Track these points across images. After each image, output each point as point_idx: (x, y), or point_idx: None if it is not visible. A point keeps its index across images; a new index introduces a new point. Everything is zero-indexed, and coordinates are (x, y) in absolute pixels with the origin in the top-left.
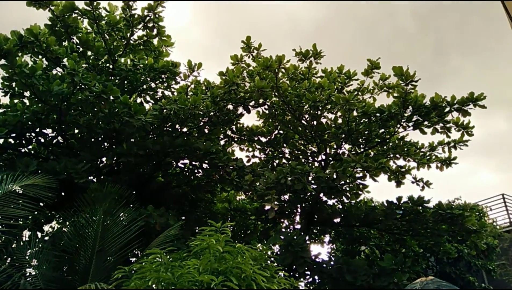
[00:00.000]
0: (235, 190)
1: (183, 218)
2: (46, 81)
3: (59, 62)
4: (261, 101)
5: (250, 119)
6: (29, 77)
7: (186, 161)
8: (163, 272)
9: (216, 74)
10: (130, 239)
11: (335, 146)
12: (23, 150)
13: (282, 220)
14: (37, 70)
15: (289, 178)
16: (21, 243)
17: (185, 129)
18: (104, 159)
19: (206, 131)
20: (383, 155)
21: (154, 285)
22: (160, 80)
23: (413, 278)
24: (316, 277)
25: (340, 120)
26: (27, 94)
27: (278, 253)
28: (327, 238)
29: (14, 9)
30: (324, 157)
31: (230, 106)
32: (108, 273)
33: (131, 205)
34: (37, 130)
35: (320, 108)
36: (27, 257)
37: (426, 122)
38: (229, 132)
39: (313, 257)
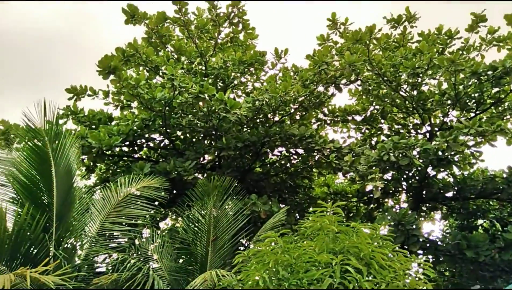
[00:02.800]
0: (334, 173)
1: (283, 205)
2: (149, 90)
3: (158, 70)
4: (352, 78)
5: (342, 100)
6: (134, 87)
7: (282, 149)
8: (281, 254)
9: (304, 58)
10: (239, 228)
11: (440, 115)
12: (136, 156)
13: (386, 200)
14: (140, 80)
15: (392, 154)
16: (144, 240)
17: (277, 119)
18: (206, 155)
19: (298, 117)
20: (498, 118)
21: (273, 267)
22: (250, 72)
23: None
24: (430, 256)
25: (445, 85)
26: (134, 104)
27: (386, 233)
28: (437, 215)
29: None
30: (429, 128)
31: (320, 88)
32: (224, 261)
33: (235, 197)
34: (146, 136)
35: (421, 74)
36: (149, 252)
37: None
38: (321, 116)
39: (426, 235)
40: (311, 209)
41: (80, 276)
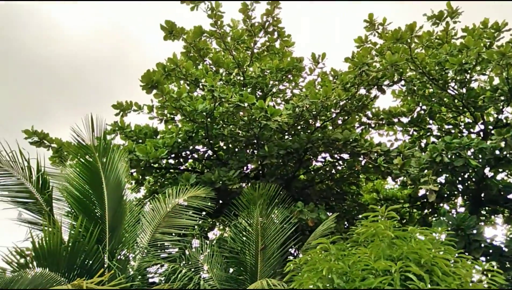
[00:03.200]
0: (382, 178)
1: (331, 213)
2: (191, 102)
3: (198, 83)
4: (395, 78)
5: (385, 102)
6: (177, 100)
7: (325, 155)
8: (335, 262)
9: (342, 61)
10: (287, 237)
11: (493, 112)
12: (182, 168)
13: (441, 204)
14: (182, 93)
15: (445, 155)
16: (193, 250)
17: (318, 124)
18: (250, 165)
19: (340, 122)
20: None
21: (327, 275)
22: (288, 79)
23: None
24: (493, 263)
25: (496, 80)
26: (177, 117)
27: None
28: (498, 219)
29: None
30: (482, 126)
31: (362, 91)
32: (274, 270)
33: (281, 205)
34: (190, 148)
35: (469, 71)
36: (199, 262)
37: None
38: (364, 119)
39: (488, 241)
40: (362, 215)
41: (134, 286)
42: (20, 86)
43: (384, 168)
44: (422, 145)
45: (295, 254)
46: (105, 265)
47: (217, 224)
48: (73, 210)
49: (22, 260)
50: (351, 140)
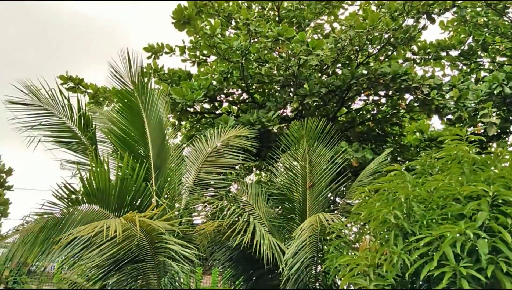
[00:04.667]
0: (428, 116)
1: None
2: (225, 39)
3: (231, 19)
4: (447, 4)
5: (431, 35)
6: (211, 37)
7: (368, 93)
8: (412, 189)
9: None
10: (333, 177)
11: None
12: (217, 112)
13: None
14: (216, 28)
15: (506, 86)
16: (239, 188)
17: (359, 61)
18: (288, 106)
19: (382, 58)
20: None
21: (404, 203)
22: (327, 12)
23: None
24: None
25: None
26: (210, 59)
27: None
28: None
29: None
30: None
31: (410, 21)
32: (323, 208)
33: (327, 143)
34: (225, 91)
35: None
36: (244, 198)
37: None
38: (409, 55)
39: None
40: (441, 138)
41: (183, 222)
42: (52, 45)
43: (438, 101)
44: (473, 80)
45: (344, 194)
46: (153, 204)
47: (256, 168)
48: (117, 150)
49: (72, 197)
50: (400, 72)
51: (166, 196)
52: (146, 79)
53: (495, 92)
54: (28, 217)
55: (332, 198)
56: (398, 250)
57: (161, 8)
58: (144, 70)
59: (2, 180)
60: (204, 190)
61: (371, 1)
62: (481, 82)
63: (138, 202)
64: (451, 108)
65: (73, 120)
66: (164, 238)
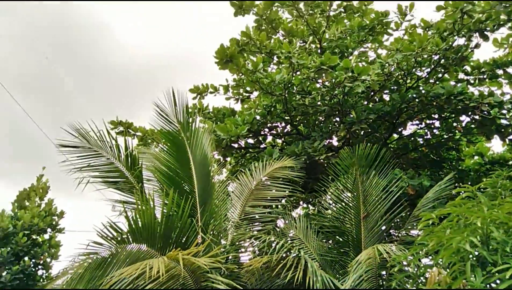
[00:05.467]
0: (487, 138)
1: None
2: (268, 73)
3: (273, 55)
4: (502, 20)
5: (484, 55)
6: (253, 72)
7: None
8: (489, 212)
9: (433, 10)
10: (389, 206)
11: None
12: (262, 146)
13: None
14: (258, 64)
15: None
16: (287, 222)
17: (408, 85)
18: (334, 137)
19: (432, 81)
20: None
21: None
22: (371, 39)
23: None
24: None
25: None
26: (253, 95)
27: None
28: None
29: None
30: None
31: (461, 41)
32: (379, 240)
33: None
34: (269, 125)
35: None
36: (292, 233)
37: None
38: (461, 76)
39: None
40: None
41: (230, 259)
42: (101, 92)
43: (499, 120)
44: None
45: (400, 225)
46: (199, 241)
47: (303, 201)
48: (163, 187)
49: (118, 236)
50: (455, 93)
51: (211, 232)
52: (191, 119)
53: None
54: (76, 258)
55: (387, 229)
56: (478, 283)
57: (206, 49)
58: (190, 109)
59: (54, 223)
60: (251, 225)
61: (417, 24)
62: None
63: (184, 239)
64: None
65: (120, 160)
66: (209, 276)
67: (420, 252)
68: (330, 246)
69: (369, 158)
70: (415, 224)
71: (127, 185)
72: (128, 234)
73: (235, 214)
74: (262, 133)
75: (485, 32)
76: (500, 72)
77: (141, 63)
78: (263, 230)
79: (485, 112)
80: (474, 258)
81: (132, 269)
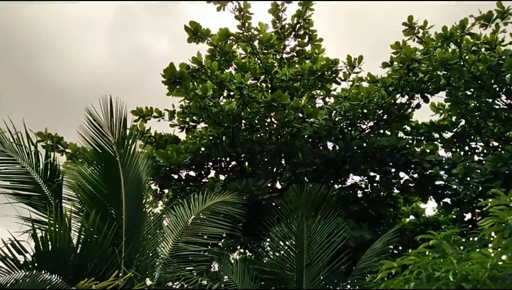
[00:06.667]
0: (423, 199)
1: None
2: (217, 101)
3: (224, 86)
4: (441, 83)
5: (421, 117)
6: (202, 98)
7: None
8: (458, 263)
9: (379, 66)
10: (332, 255)
11: None
12: (204, 180)
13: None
14: (208, 90)
15: None
16: (222, 265)
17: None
18: (281, 175)
19: (372, 135)
20: None
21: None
22: (320, 85)
23: None
24: None
25: None
26: (199, 126)
27: None
28: None
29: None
30: None
31: (403, 99)
32: None
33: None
34: (213, 159)
35: None
36: (226, 277)
37: None
38: (400, 134)
39: None
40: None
41: None
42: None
43: (439, 179)
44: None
45: (341, 277)
46: (121, 274)
47: (240, 246)
48: (85, 208)
49: (20, 258)
50: (399, 147)
51: (135, 267)
52: (128, 134)
53: (502, 170)
54: None
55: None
56: None
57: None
58: (128, 127)
59: None
60: (182, 263)
61: (364, 78)
62: (484, 162)
63: (102, 271)
64: (454, 187)
65: (38, 170)
66: None
67: None
68: None
69: (316, 199)
70: (360, 277)
71: (42, 201)
72: (34, 260)
73: (166, 249)
74: (205, 166)
75: (426, 94)
76: (436, 135)
77: (88, 82)
78: (196, 270)
79: (426, 169)
80: None
81: None
